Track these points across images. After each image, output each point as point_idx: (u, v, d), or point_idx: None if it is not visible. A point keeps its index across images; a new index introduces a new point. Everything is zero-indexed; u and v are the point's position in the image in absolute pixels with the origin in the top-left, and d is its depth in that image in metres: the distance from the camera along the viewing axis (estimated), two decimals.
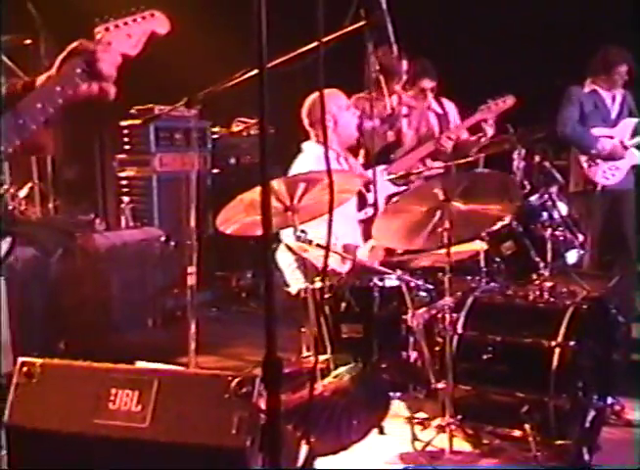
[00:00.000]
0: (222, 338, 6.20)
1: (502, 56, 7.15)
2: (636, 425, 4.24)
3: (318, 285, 4.01)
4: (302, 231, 3.77)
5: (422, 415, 4.10)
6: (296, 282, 4.54)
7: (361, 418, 3.53)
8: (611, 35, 6.02)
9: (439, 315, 4.00)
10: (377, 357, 4.04)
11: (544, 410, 3.69)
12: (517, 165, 4.50)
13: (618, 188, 5.84)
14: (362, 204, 4.95)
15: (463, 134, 5.72)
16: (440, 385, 3.94)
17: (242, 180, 7.09)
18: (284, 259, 4.61)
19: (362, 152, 5.35)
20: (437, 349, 4.03)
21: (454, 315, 3.97)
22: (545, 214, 4.35)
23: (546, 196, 4.39)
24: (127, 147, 7.58)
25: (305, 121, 4.82)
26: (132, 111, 7.36)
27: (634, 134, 5.84)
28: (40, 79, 2.46)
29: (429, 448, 3.88)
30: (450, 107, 5.93)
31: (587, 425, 3.87)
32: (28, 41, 6.61)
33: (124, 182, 7.61)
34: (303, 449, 2.96)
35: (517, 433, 3.79)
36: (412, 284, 4.16)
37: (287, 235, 4.30)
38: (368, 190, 4.91)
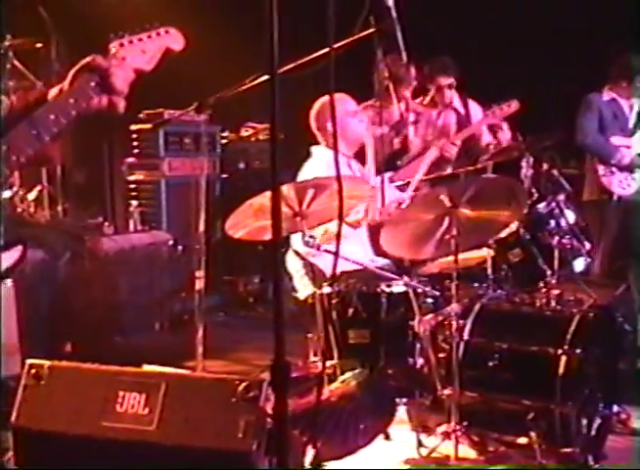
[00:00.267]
0: (229, 342, 6.19)
1: (511, 63, 7.13)
2: None
3: (326, 290, 4.02)
4: (311, 236, 3.77)
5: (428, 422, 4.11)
6: (304, 288, 4.53)
7: (367, 424, 3.54)
8: (620, 42, 5.98)
9: (446, 322, 3.99)
10: (383, 363, 4.03)
11: (550, 418, 3.68)
12: (525, 173, 4.51)
13: (634, 198, 5.82)
14: None
15: (485, 136, 5.69)
16: (446, 391, 3.92)
17: (251, 185, 7.06)
18: (293, 265, 4.61)
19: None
20: (444, 355, 4.01)
21: (461, 322, 3.96)
22: (553, 222, 4.35)
23: (554, 204, 4.39)
24: (136, 151, 7.59)
25: (313, 125, 4.83)
26: (141, 115, 7.37)
27: None
28: (52, 92, 2.49)
29: (434, 455, 3.87)
30: (476, 110, 5.88)
31: (593, 433, 3.86)
32: (39, 45, 6.60)
33: (133, 186, 7.61)
34: (310, 454, 2.97)
35: (522, 440, 3.78)
36: (419, 290, 4.14)
37: (297, 240, 4.31)
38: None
